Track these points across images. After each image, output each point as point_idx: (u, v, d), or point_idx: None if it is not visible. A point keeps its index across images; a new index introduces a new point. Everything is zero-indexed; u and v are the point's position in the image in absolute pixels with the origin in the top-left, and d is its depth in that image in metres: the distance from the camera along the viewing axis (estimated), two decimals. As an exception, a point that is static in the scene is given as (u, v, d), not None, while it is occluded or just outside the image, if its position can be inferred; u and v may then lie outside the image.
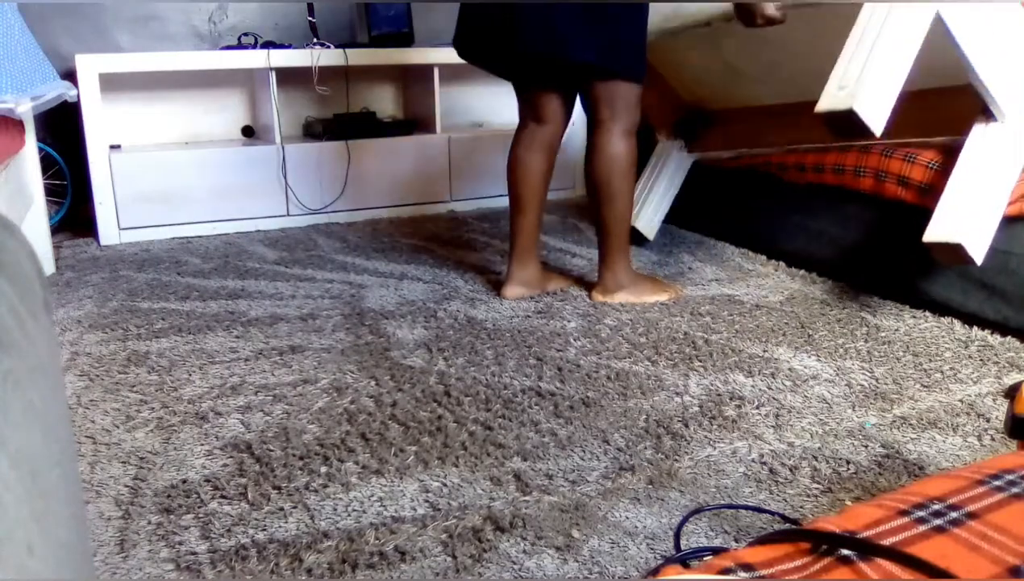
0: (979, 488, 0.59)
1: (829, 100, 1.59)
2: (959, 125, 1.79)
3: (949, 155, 1.82)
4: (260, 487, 1.21)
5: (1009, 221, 1.74)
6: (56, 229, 2.84)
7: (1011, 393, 0.95)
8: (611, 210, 1.96)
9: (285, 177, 2.91)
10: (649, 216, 2.58)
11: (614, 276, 2.02)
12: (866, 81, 1.55)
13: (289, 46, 2.96)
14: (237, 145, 2.97)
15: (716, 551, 1.04)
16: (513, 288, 2.07)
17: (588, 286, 2.12)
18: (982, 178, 1.71)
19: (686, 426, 1.38)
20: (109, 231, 2.73)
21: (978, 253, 1.69)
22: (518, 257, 2.08)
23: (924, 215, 1.84)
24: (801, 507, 1.15)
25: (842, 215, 2.15)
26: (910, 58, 1.58)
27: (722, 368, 1.62)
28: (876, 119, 1.57)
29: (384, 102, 3.42)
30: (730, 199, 2.60)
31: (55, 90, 2.15)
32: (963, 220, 1.69)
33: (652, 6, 1.96)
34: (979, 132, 1.74)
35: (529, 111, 2.06)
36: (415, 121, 3.28)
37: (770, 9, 1.76)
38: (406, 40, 3.15)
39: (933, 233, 1.72)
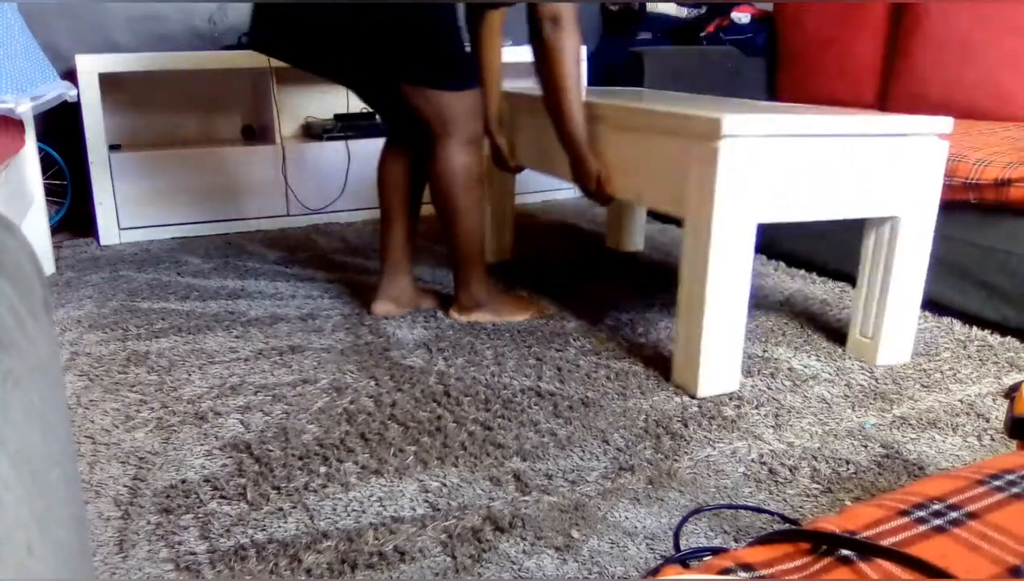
0: (979, 488, 0.59)
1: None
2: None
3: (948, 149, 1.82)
4: (259, 487, 1.21)
5: (1009, 215, 1.74)
6: (56, 229, 2.84)
7: (1011, 393, 0.95)
8: (458, 228, 1.83)
9: (285, 177, 2.91)
10: (631, 229, 2.56)
11: (469, 294, 1.90)
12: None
13: (289, 46, 2.96)
14: (237, 145, 2.97)
15: (716, 551, 1.04)
16: (381, 304, 1.96)
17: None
18: (889, 277, 1.62)
19: (685, 426, 1.38)
20: (109, 231, 2.73)
21: (901, 357, 1.65)
22: (388, 272, 1.96)
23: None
24: (801, 507, 1.15)
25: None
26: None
27: (722, 368, 1.62)
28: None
29: (384, 102, 3.42)
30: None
31: (55, 90, 2.15)
32: (874, 327, 1.64)
33: None
34: (873, 229, 1.64)
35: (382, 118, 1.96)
36: (415, 121, 3.28)
37: (584, 185, 1.77)
38: (406, 40, 3.14)
39: (851, 344, 1.70)
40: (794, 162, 1.46)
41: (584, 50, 3.18)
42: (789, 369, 1.62)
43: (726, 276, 1.45)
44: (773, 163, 1.44)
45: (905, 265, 1.61)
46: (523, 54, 3.16)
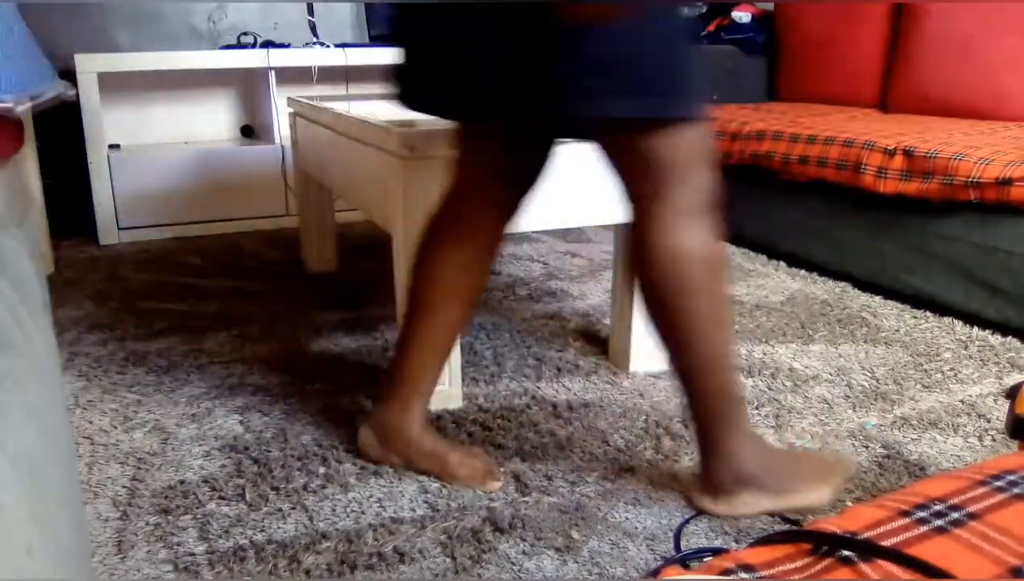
0: (980, 489, 0.59)
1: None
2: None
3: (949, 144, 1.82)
4: (258, 488, 1.21)
5: (1011, 215, 1.74)
6: (56, 229, 2.83)
7: (1012, 393, 0.95)
8: (690, 358, 1.09)
9: (284, 177, 2.91)
10: None
11: (728, 469, 1.12)
12: None
13: (288, 46, 2.96)
14: (237, 145, 2.97)
15: (717, 552, 1.04)
16: (366, 432, 1.29)
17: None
18: (633, 285, 1.46)
19: (686, 427, 1.38)
20: (108, 231, 2.73)
21: (653, 364, 1.60)
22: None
23: (927, 210, 1.84)
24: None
25: (843, 214, 2.15)
26: None
27: (722, 368, 1.62)
28: None
29: (383, 102, 3.42)
30: (730, 198, 2.60)
31: (54, 90, 2.14)
32: (624, 336, 1.61)
33: None
34: (620, 236, 1.57)
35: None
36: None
37: None
38: (406, 40, 3.14)
39: (610, 352, 1.66)
40: None
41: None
42: (789, 369, 1.62)
43: None
44: None
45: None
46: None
